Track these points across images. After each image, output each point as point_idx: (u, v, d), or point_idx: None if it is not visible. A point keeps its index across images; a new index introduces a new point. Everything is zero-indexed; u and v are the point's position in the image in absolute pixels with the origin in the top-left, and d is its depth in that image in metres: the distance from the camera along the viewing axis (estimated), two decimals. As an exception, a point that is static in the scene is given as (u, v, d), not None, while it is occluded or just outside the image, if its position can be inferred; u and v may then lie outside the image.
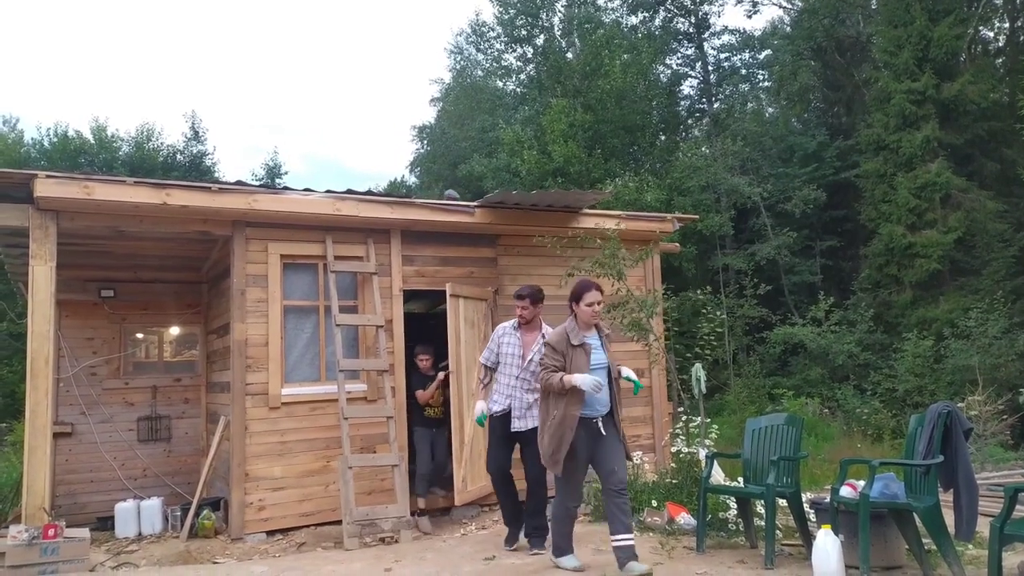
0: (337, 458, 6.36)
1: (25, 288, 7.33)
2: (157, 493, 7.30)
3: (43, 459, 5.78)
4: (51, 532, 5.36)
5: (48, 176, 5.98)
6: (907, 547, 4.60)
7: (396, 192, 20.06)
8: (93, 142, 26.70)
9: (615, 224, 7.72)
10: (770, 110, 24.93)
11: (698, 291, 8.09)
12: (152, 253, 7.91)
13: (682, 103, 26.47)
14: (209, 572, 5.29)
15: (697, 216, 10.60)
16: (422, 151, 33.37)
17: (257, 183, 8.51)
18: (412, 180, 33.47)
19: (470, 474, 6.79)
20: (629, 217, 8.51)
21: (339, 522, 5.91)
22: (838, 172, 20.47)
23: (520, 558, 5.25)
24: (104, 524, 6.87)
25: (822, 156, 20.78)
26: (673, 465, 6.93)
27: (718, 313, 8.23)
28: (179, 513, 6.77)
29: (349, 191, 7.10)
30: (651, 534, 5.74)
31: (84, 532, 5.67)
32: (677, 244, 9.59)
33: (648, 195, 18.28)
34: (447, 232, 7.50)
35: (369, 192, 7.50)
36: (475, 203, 7.82)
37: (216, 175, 28.79)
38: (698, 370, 7.09)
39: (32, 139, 27.90)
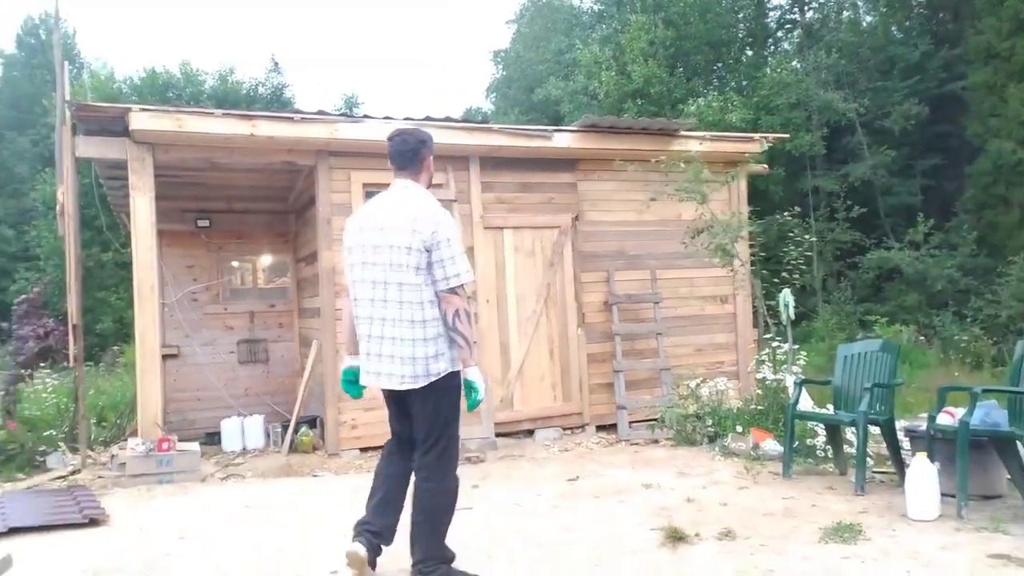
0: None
1: (128, 219, 7.73)
2: (258, 411, 7.74)
3: (154, 379, 6.20)
4: (164, 445, 5.79)
5: (142, 109, 6.20)
6: (1008, 476, 4.43)
7: (473, 118, 19.89)
8: (180, 77, 27.44)
9: (699, 145, 7.44)
10: (868, 18, 23.15)
11: (785, 213, 7.77)
12: (243, 184, 8.17)
13: (771, 14, 24.88)
14: (310, 484, 5.62)
15: (787, 135, 10.07)
16: (498, 76, 32.81)
17: (337, 113, 8.58)
18: (488, 107, 33.09)
19: (520, 395, 7.13)
20: (714, 138, 8.20)
21: (427, 441, 6.14)
22: (942, 84, 18.98)
23: (601, 479, 5.35)
24: (211, 439, 7.37)
25: (925, 67, 19.28)
26: (758, 392, 6.84)
27: (807, 236, 7.89)
28: (279, 430, 7.18)
29: (427, 118, 7.07)
30: (735, 459, 5.73)
31: (194, 446, 6.10)
32: (765, 166, 9.19)
33: (733, 115, 17.48)
34: (526, 158, 7.43)
35: (447, 119, 7.47)
36: (553, 128, 7.71)
37: (296, 106, 29.23)
38: (786, 295, 6.88)
39: (123, 75, 28.94)
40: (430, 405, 3.09)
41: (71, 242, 6.65)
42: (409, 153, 3.23)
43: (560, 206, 7.62)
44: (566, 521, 4.22)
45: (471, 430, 6.49)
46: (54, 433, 6.62)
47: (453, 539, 3.82)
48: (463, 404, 3.19)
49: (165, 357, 7.56)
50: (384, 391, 3.20)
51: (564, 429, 7.32)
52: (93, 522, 4.45)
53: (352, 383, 3.29)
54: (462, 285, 3.08)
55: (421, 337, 3.04)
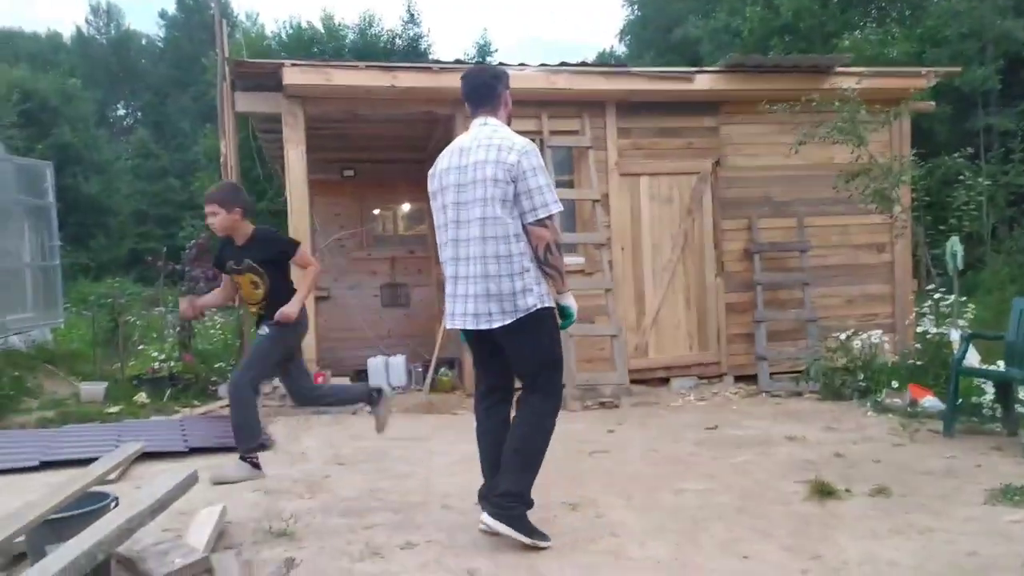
0: (559, 328, 6.65)
1: (281, 170, 8.20)
2: (400, 352, 8.12)
3: (309, 318, 6.62)
4: (320, 380, 6.21)
5: (294, 65, 6.51)
6: None
7: (607, 62, 19.40)
8: (323, 31, 28.54)
9: (855, 83, 6.90)
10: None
11: (956, 155, 7.08)
12: (383, 135, 8.44)
13: (941, -67, 22.40)
14: (449, 421, 5.87)
15: (958, 69, 9.09)
16: (632, 17, 31.72)
17: (473, 62, 8.64)
18: (621, 50, 32.15)
19: (655, 343, 7.09)
20: (873, 74, 7.56)
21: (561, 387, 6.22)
22: None
23: (741, 430, 5.23)
24: (359, 376, 7.82)
25: None
26: (917, 346, 6.39)
27: (980, 180, 7.17)
28: (420, 370, 7.51)
29: (563, 64, 6.97)
30: (890, 416, 5.41)
31: (346, 381, 6.50)
32: (931, 103, 8.40)
33: (894, 49, 16.04)
34: (665, 102, 7.18)
35: (583, 64, 7.33)
36: (695, 69, 7.39)
37: (431, 56, 29.69)
38: (954, 244, 6.32)
39: (272, 32, 30.46)
40: (523, 342, 2.97)
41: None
42: (484, 88, 3.13)
43: (700, 151, 7.34)
44: (705, 469, 4.17)
45: (606, 375, 6.52)
46: (223, 365, 7.26)
47: (591, 479, 3.87)
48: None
49: (317, 299, 8.05)
50: (471, 335, 3.08)
51: (700, 378, 7.19)
52: (261, 446, 4.87)
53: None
54: (551, 216, 2.95)
55: (507, 272, 2.91)
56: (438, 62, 7.28)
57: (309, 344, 6.51)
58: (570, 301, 3.08)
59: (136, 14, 58.90)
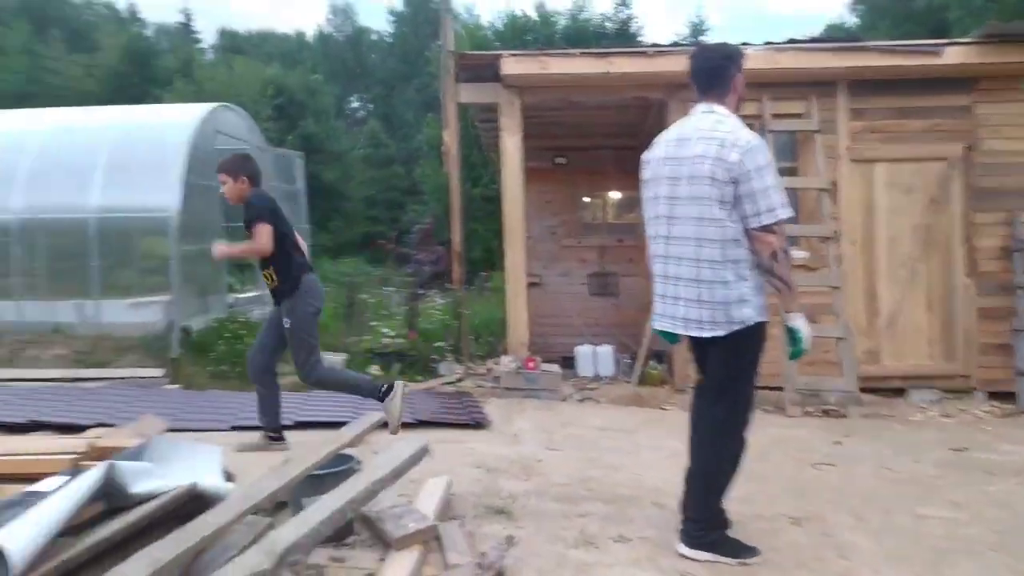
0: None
1: (496, 158, 8.54)
2: (607, 341, 8.17)
3: (521, 304, 6.88)
4: (531, 364, 6.44)
5: (512, 55, 6.72)
6: None
7: (836, 36, 17.93)
8: (536, 19, 29.20)
9: None
10: None
11: None
12: (594, 121, 8.48)
13: None
14: (657, 415, 5.82)
15: None
16: (867, -15, 28.97)
17: (690, 44, 8.38)
18: (852, 21, 29.53)
19: (890, 349, 6.51)
20: None
21: (778, 388, 5.91)
22: None
23: (995, 454, 4.65)
24: (566, 363, 7.99)
25: None
26: None
27: None
28: (628, 361, 7.51)
29: (791, 40, 6.56)
30: None
31: (555, 367, 6.69)
32: None
33: None
34: (906, 79, 6.50)
35: (812, 40, 6.84)
36: (944, 41, 6.61)
37: (640, 39, 29.26)
38: None
39: (487, 22, 31.71)
40: (727, 354, 2.79)
41: (455, 181, 7.59)
42: (713, 71, 2.87)
43: (948, 134, 6.57)
44: (951, 495, 3.76)
45: (830, 381, 6.08)
46: (443, 344, 7.75)
47: (816, 493, 3.65)
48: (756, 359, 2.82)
49: (529, 285, 8.32)
50: (679, 337, 2.92)
51: (944, 392, 6.46)
52: (478, 425, 5.18)
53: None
54: (778, 222, 2.69)
55: (722, 280, 2.71)
56: (655, 46, 7.16)
57: (522, 330, 6.77)
58: (800, 323, 2.79)
59: (368, 12, 64.06)
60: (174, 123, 8.79)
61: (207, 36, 47.75)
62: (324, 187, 28.50)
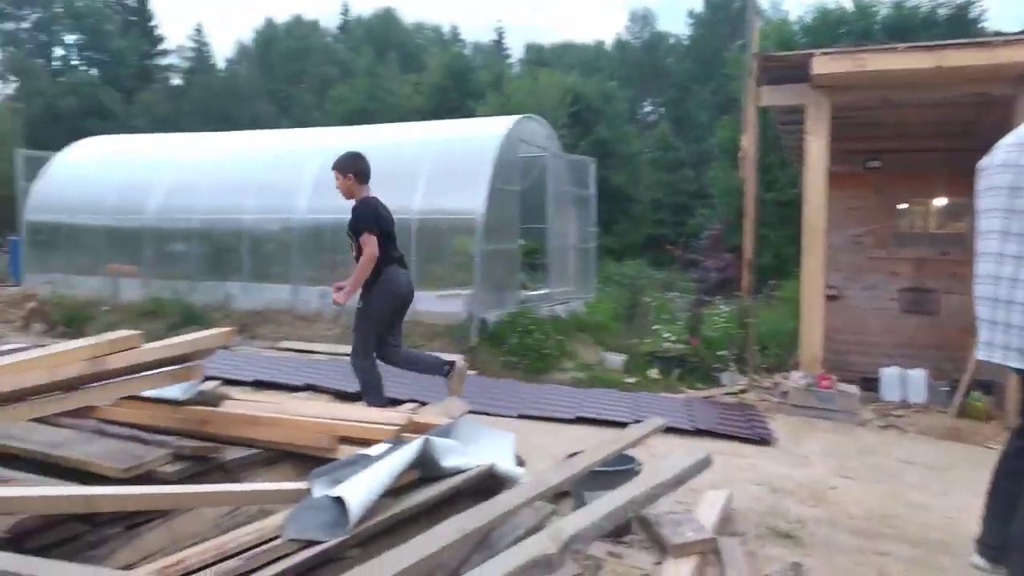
0: None
1: (796, 162, 8.03)
2: (919, 364, 7.27)
3: (817, 318, 6.41)
4: (825, 382, 5.97)
5: (823, 54, 6.27)
6: None
7: None
8: (851, 11, 26.81)
9: None
10: None
11: None
12: (916, 120, 7.59)
13: None
14: (980, 454, 5.04)
15: None
16: None
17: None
18: None
19: None
20: None
21: None
22: None
23: None
24: (866, 384, 7.26)
25: None
26: None
27: None
28: (946, 388, 6.62)
29: None
30: None
31: (853, 388, 6.12)
32: None
33: None
34: None
35: None
36: None
37: (983, 27, 25.39)
38: None
39: (796, 17, 29.86)
40: None
41: (751, 185, 7.30)
42: None
43: None
44: None
45: None
46: (726, 353, 7.53)
47: None
48: None
49: (828, 298, 7.71)
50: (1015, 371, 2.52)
51: None
52: (762, 440, 4.94)
53: None
54: None
55: None
56: (1000, 34, 6.19)
57: (816, 344, 6.31)
58: None
59: (667, 16, 64.16)
60: (484, 135, 9.64)
61: (516, 51, 51.57)
62: (612, 190, 29.15)
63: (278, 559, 1.98)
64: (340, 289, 4.51)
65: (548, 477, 2.55)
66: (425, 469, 2.50)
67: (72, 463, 2.57)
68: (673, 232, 25.97)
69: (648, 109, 49.64)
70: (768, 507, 3.50)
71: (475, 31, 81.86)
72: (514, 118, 10.03)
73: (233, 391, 3.60)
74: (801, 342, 6.52)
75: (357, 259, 4.49)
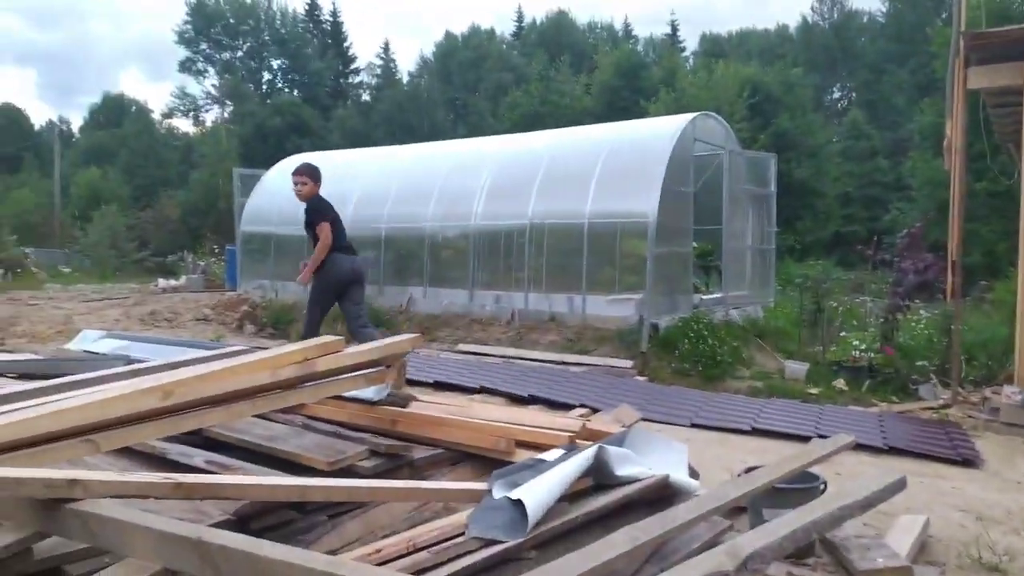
0: None
1: (1014, 149, 7.19)
2: None
3: (1035, 325, 5.72)
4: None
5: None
6: None
7: None
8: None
9: None
10: None
11: None
12: None
13: None
14: None
15: None
16: None
17: None
18: None
19: None
20: None
21: None
22: None
23: None
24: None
25: None
26: None
27: None
28: None
29: None
30: None
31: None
32: None
33: None
34: None
35: None
36: None
37: None
38: None
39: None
40: None
41: (956, 178, 6.64)
42: None
43: None
44: None
45: None
46: (925, 364, 6.90)
47: None
48: None
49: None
50: None
51: None
52: (966, 462, 4.50)
53: None
54: None
55: None
56: None
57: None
58: None
59: (862, -7, 59.36)
60: (658, 134, 9.53)
61: (690, 42, 50.22)
62: (795, 185, 27.54)
63: (462, 555, 2.12)
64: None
65: (725, 491, 2.52)
66: (599, 476, 2.55)
67: (285, 455, 2.90)
68: (864, 229, 24.05)
69: (837, 95, 46.33)
70: (972, 536, 3.19)
71: (648, 23, 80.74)
72: (688, 116, 9.82)
73: (415, 391, 3.86)
74: (1016, 352, 5.85)
75: (314, 247, 5.54)
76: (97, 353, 5.79)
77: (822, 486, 3.00)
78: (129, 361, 4.25)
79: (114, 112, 46.16)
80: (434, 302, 10.37)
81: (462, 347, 8.99)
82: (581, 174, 9.52)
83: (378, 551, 2.09)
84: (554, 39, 48.78)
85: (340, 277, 5.57)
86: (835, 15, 45.78)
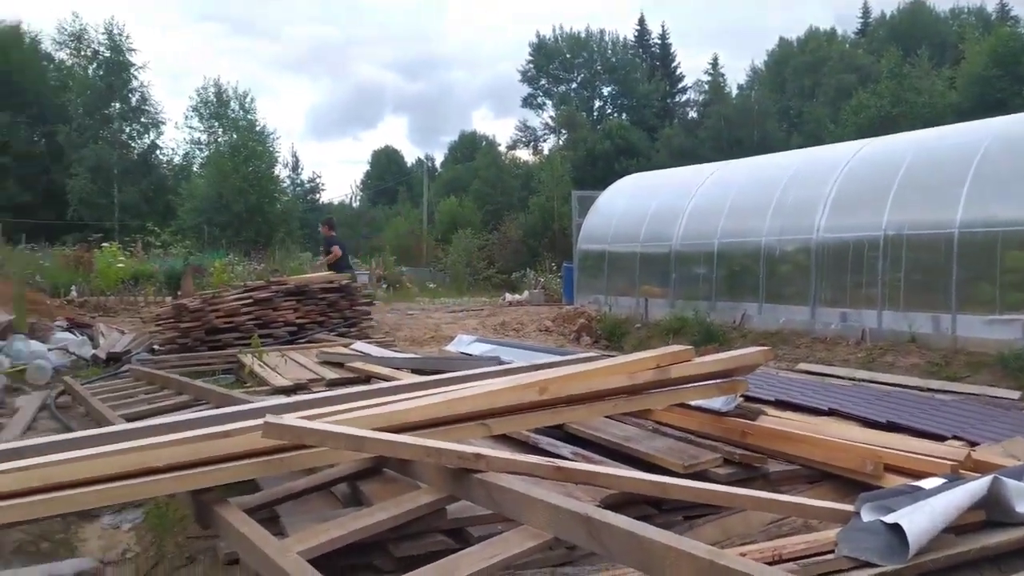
0: None
1: None
2: None
3: None
4: None
5: None
6: None
7: None
8: None
9: None
10: None
11: None
12: None
13: None
14: None
15: None
16: None
17: None
18: None
19: None
20: None
21: None
22: None
23: None
24: None
25: None
26: None
27: None
28: None
29: None
30: None
31: None
32: None
33: None
34: None
35: None
36: None
37: None
38: None
39: None
40: None
41: None
42: None
43: None
44: None
45: None
46: None
47: None
48: None
49: None
50: None
51: None
52: None
53: None
54: None
55: None
56: None
57: None
58: None
59: None
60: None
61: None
62: None
63: (832, 573, 2.04)
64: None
65: None
66: (993, 512, 2.26)
67: (640, 455, 3.05)
68: None
69: None
70: None
71: (1029, 2, 68.06)
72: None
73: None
74: None
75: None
76: (471, 355, 6.67)
77: None
78: (500, 362, 4.84)
79: (468, 147, 52.34)
80: (770, 318, 9.96)
81: (802, 366, 8.48)
82: (949, 179, 8.41)
83: (742, 556, 2.11)
84: (908, 32, 43.76)
85: None
86: None
